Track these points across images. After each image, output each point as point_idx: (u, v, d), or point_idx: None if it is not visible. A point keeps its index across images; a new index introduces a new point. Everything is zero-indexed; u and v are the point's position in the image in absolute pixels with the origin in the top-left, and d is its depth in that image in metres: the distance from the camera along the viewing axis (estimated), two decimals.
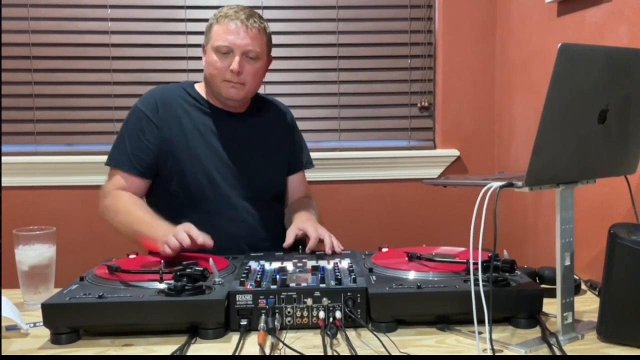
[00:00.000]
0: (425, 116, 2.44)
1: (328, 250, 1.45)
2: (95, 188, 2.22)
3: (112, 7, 2.29)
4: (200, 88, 1.68)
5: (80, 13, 2.29)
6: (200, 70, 1.66)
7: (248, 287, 1.13)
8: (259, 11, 2.31)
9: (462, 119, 2.40)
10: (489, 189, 0.98)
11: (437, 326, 1.13)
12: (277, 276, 1.18)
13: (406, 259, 1.32)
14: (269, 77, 2.34)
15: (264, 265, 1.32)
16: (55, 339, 1.09)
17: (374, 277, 1.20)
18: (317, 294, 1.11)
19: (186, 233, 1.33)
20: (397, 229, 2.40)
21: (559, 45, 0.91)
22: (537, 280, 1.34)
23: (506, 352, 1.03)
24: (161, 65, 2.31)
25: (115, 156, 1.61)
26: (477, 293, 0.96)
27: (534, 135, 0.95)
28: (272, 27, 2.35)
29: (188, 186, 1.60)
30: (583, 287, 1.38)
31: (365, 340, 1.07)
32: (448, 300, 1.12)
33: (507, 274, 1.18)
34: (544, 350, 1.03)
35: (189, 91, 1.66)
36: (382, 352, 1.01)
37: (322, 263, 1.31)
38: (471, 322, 0.96)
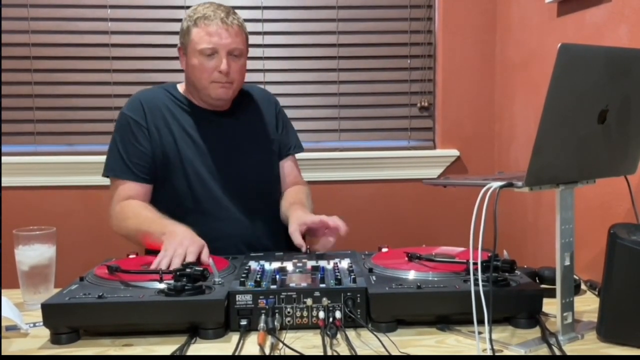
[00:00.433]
0: (425, 116, 2.44)
1: (342, 232, 1.43)
2: (95, 188, 2.25)
3: (112, 7, 2.29)
4: (182, 89, 1.67)
5: (80, 13, 2.29)
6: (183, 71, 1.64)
7: (248, 287, 1.13)
8: (259, 11, 2.34)
9: (462, 119, 2.40)
10: (489, 189, 0.98)
11: (437, 326, 1.13)
12: (277, 276, 1.18)
13: (406, 259, 1.32)
14: (269, 77, 2.37)
15: (263, 265, 1.32)
16: (55, 339, 1.09)
17: (373, 277, 1.20)
18: (317, 294, 1.11)
19: (194, 254, 1.31)
20: (397, 229, 2.40)
21: (559, 45, 0.91)
22: (537, 280, 1.34)
23: (506, 352, 1.03)
24: (161, 65, 2.31)
25: (113, 167, 1.59)
26: (477, 293, 0.96)
27: (534, 135, 0.95)
28: (272, 27, 2.38)
29: (179, 188, 1.59)
30: (583, 287, 1.38)
31: (365, 340, 1.07)
32: (448, 300, 1.11)
33: (507, 274, 1.18)
34: (543, 351, 1.03)
35: (172, 93, 1.65)
36: (382, 352, 1.01)
37: (322, 263, 1.31)
38: (471, 322, 0.96)
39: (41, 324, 1.09)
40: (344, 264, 1.31)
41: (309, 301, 1.11)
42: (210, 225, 1.54)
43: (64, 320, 1.08)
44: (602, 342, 1.07)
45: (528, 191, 1.01)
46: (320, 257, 1.40)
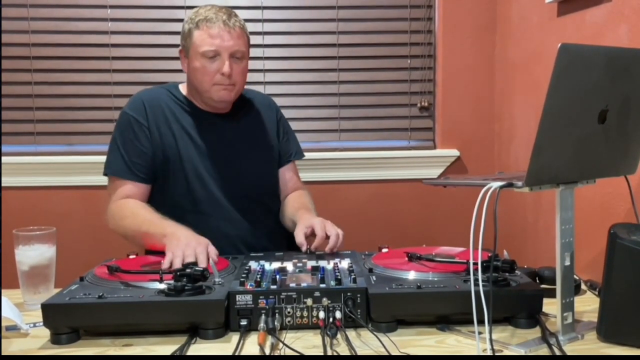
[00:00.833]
0: (425, 116, 2.44)
1: (327, 249, 1.45)
2: (95, 188, 2.24)
3: (112, 7, 2.29)
4: (184, 89, 1.67)
5: (80, 13, 2.29)
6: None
7: (248, 287, 1.13)
8: (259, 11, 2.34)
9: (462, 119, 2.40)
10: (489, 189, 0.98)
11: (437, 326, 1.13)
12: (277, 276, 1.18)
13: (406, 259, 1.32)
14: (269, 77, 2.37)
15: (263, 265, 1.32)
16: (55, 339, 1.09)
17: (374, 277, 1.20)
18: (317, 294, 1.11)
19: (204, 254, 1.31)
20: (397, 229, 2.40)
21: (559, 45, 0.91)
22: (537, 281, 1.34)
23: (506, 352, 1.03)
24: (161, 65, 2.31)
25: (113, 165, 1.59)
26: (477, 293, 0.96)
27: (534, 135, 0.95)
28: (272, 27, 2.38)
29: (179, 188, 1.59)
30: (583, 287, 1.38)
31: (365, 340, 1.07)
32: (448, 300, 1.11)
33: (507, 274, 1.18)
34: (543, 351, 1.03)
35: (174, 93, 1.65)
36: (382, 352, 1.01)
37: (322, 263, 1.31)
38: (471, 322, 0.96)
39: (41, 324, 1.09)
40: (344, 264, 1.31)
41: (309, 301, 1.11)
42: (208, 225, 1.54)
43: (64, 321, 1.08)
44: (602, 342, 1.07)
45: (528, 191, 1.01)
46: (320, 257, 1.40)
